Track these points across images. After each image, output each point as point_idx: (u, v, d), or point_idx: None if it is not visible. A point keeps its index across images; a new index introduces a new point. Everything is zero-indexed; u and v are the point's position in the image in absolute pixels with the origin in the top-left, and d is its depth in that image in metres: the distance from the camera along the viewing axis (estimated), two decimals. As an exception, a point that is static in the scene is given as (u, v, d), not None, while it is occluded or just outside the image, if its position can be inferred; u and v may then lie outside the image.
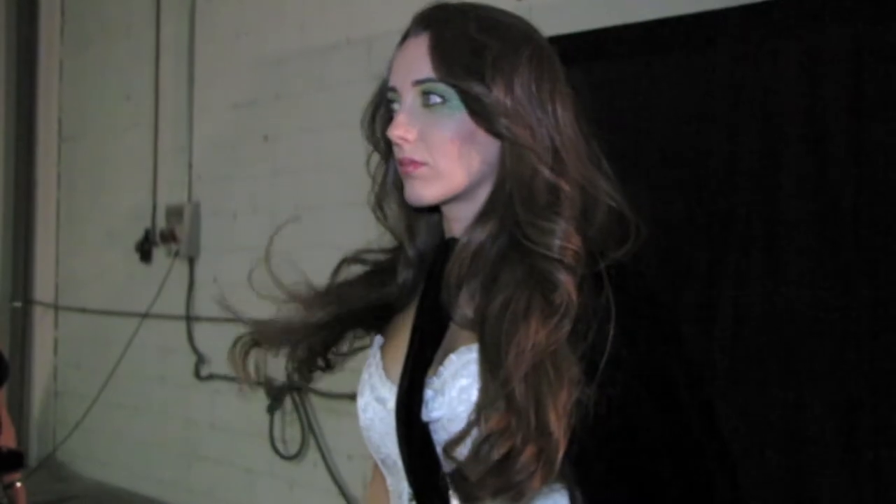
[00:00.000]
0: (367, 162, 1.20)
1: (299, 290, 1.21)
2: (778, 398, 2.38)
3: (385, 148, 1.16)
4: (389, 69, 1.11)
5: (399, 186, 1.15)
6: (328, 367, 1.23)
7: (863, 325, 2.26)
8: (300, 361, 1.21)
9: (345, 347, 1.23)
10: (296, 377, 1.24)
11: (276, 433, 3.96)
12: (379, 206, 1.18)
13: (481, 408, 0.96)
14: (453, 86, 1.02)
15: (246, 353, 1.21)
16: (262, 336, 1.21)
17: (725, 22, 2.49)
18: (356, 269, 1.22)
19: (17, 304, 5.64)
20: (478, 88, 1.01)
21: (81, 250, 5.45)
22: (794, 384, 2.36)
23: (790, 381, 2.36)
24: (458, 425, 0.98)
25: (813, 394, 2.32)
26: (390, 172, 1.17)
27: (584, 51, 2.71)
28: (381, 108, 1.15)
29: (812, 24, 2.35)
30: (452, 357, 1.04)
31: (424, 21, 1.07)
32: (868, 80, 2.27)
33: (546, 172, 1.01)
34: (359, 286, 1.20)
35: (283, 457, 3.97)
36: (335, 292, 1.20)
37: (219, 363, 4.39)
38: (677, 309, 2.47)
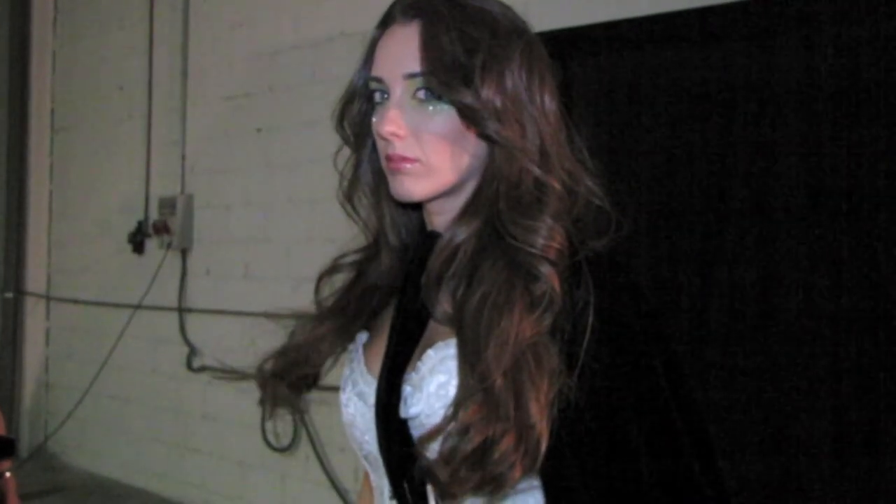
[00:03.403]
0: (335, 156, 1.17)
1: (298, 330, 1.17)
2: (770, 397, 2.39)
3: (355, 141, 1.14)
4: (370, 58, 1.08)
5: (372, 180, 1.13)
6: (316, 381, 1.21)
7: (856, 323, 2.27)
8: (293, 387, 1.18)
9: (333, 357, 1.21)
10: (294, 402, 1.20)
11: (268, 425, 3.96)
12: (349, 200, 1.16)
13: (459, 402, 0.94)
14: (442, 94, 1.00)
15: (275, 402, 1.19)
16: (279, 380, 1.17)
17: (723, 18, 2.50)
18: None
19: (9, 295, 5.62)
20: (467, 95, 0.98)
21: (74, 241, 5.44)
22: (787, 383, 2.37)
23: (783, 380, 2.38)
24: (435, 421, 0.96)
25: (806, 392, 2.33)
26: (362, 166, 1.14)
27: (579, 45, 2.72)
28: (356, 101, 1.11)
29: (811, 21, 2.36)
30: (430, 352, 1.03)
31: (413, 9, 1.03)
32: (865, 79, 2.28)
33: (535, 171, 1.00)
34: (352, 302, 1.16)
35: (275, 449, 3.97)
36: (334, 317, 1.16)
37: (211, 355, 4.39)
38: (660, 300, 2.48)
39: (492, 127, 0.99)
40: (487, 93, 0.99)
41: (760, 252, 2.42)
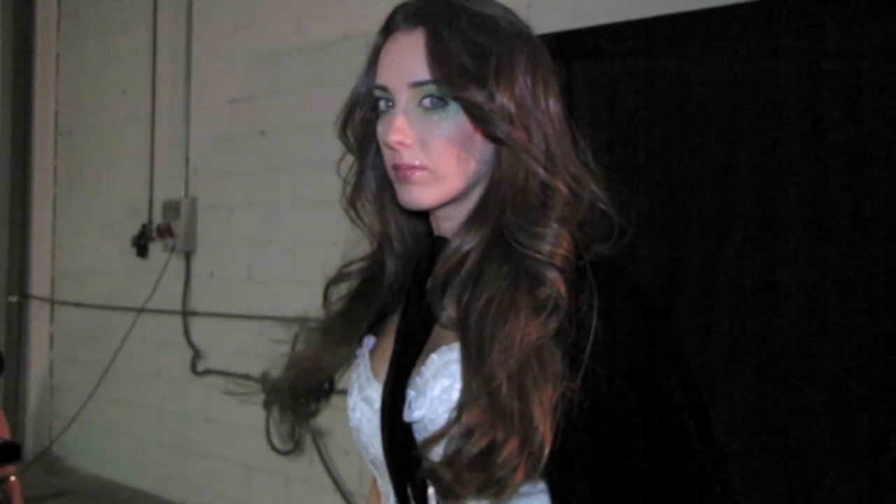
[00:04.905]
0: (339, 163, 1.17)
1: (307, 340, 1.18)
2: (775, 400, 2.38)
3: (358, 148, 1.14)
4: (374, 66, 1.07)
5: (375, 186, 1.13)
6: (331, 391, 1.21)
7: (860, 326, 2.26)
8: (309, 397, 1.19)
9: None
10: (307, 415, 1.21)
11: (273, 428, 3.96)
12: (353, 207, 1.16)
13: (463, 405, 0.94)
14: (454, 96, 0.99)
15: (288, 414, 1.20)
16: (290, 394, 1.18)
17: (724, 20, 2.50)
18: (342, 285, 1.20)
19: (14, 299, 5.63)
20: (480, 97, 0.98)
21: (78, 245, 5.45)
22: (792, 385, 2.36)
23: (787, 383, 2.37)
24: (438, 426, 0.97)
25: (810, 394, 2.33)
26: (366, 172, 1.14)
27: (582, 47, 2.72)
28: (358, 108, 1.11)
29: (812, 23, 2.36)
30: (433, 357, 1.03)
31: (417, 16, 1.03)
32: (867, 80, 2.27)
33: (541, 174, 1.00)
34: (357, 308, 1.17)
35: (279, 452, 3.97)
36: (339, 324, 1.17)
37: (215, 358, 4.39)
38: (668, 304, 2.48)
39: (502, 129, 0.99)
40: (502, 98, 0.99)
41: (763, 255, 2.42)
